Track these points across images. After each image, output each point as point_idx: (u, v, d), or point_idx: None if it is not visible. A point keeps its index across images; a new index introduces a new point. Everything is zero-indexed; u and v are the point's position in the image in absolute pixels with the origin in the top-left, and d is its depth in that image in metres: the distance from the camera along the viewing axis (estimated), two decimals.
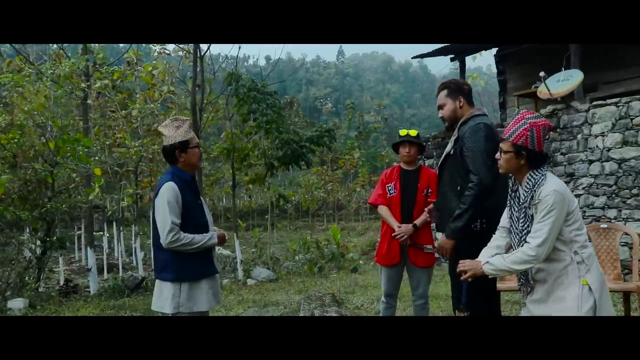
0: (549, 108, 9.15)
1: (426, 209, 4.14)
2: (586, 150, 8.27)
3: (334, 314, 5.71)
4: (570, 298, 2.63)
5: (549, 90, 8.89)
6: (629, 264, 6.40)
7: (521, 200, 2.77)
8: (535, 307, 2.78)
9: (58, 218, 7.69)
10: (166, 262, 3.29)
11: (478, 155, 3.31)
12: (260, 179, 12.01)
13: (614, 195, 7.79)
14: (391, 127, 50.29)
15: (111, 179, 14.17)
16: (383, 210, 4.50)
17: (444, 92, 3.66)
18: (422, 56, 12.21)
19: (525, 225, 2.74)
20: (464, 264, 2.94)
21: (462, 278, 2.91)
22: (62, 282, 8.48)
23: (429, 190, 4.41)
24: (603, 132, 8.09)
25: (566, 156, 8.53)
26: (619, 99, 8.04)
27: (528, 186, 2.71)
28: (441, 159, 3.75)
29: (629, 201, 7.62)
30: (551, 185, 2.65)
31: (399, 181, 4.49)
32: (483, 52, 13.15)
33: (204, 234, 3.37)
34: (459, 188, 3.45)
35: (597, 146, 8.13)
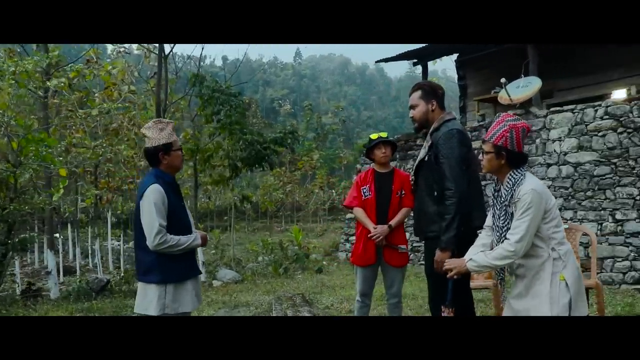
0: (509, 113, 9.46)
1: None
2: (544, 154, 8.62)
3: (306, 314, 5.78)
4: (546, 292, 2.74)
5: (509, 96, 9.19)
6: (586, 262, 6.74)
7: (502, 199, 2.89)
8: (516, 302, 2.91)
9: (19, 220, 7.43)
10: (151, 265, 3.27)
11: (453, 162, 3.37)
12: (224, 180, 11.94)
13: (570, 198, 8.15)
14: (348, 129, 50.68)
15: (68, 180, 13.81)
16: (359, 212, 4.58)
17: (418, 93, 3.70)
18: (385, 60, 12.41)
19: (505, 223, 2.86)
20: (449, 263, 3.07)
21: (448, 276, 3.03)
22: (21, 286, 8.25)
23: (403, 192, 4.54)
24: (560, 137, 8.45)
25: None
26: (574, 105, 8.42)
27: (508, 185, 2.84)
28: (415, 164, 3.81)
29: (583, 203, 7.99)
30: (529, 184, 2.77)
31: (373, 184, 4.59)
32: (444, 57, 13.41)
33: (189, 235, 3.37)
34: (435, 193, 3.51)
35: (554, 150, 8.49)
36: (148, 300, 3.28)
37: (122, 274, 9.41)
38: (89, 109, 11.99)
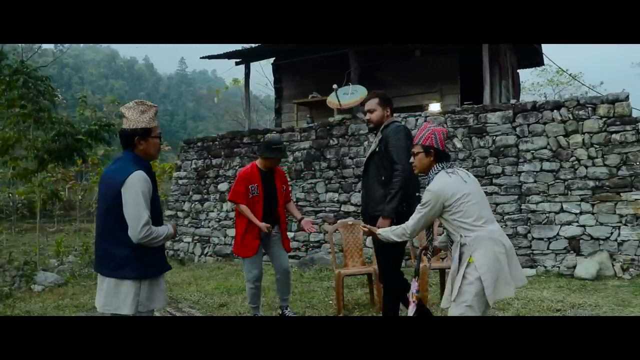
0: (338, 117, 10.33)
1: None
2: None
3: (196, 313, 5.66)
4: (453, 270, 3.19)
5: (339, 101, 10.02)
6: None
7: None
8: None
9: None
10: (127, 259, 2.96)
11: (400, 149, 4.03)
12: (28, 174, 10.58)
13: None
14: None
15: None
16: (244, 208, 5.06)
17: (376, 100, 4.31)
18: (210, 57, 12.34)
19: None
20: (365, 228, 3.76)
21: (363, 233, 3.76)
22: None
23: (284, 188, 5.32)
24: None
25: (354, 160, 9.77)
26: (399, 114, 9.56)
27: (428, 180, 3.35)
28: (367, 156, 4.37)
29: None
30: (432, 184, 3.26)
31: (260, 182, 5.12)
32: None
33: (164, 226, 3.15)
34: (383, 178, 4.14)
35: None
36: (121, 298, 2.98)
37: None
38: None
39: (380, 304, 5.64)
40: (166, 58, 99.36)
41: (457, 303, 3.11)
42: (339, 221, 6.37)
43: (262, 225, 4.96)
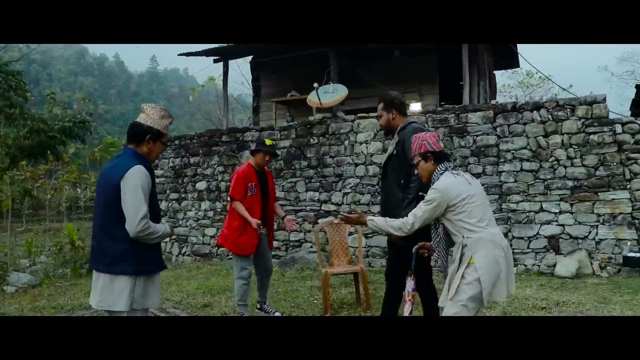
0: (319, 116, 10.29)
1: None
2: (352, 155, 9.60)
3: (181, 313, 5.57)
4: (452, 271, 3.23)
5: (319, 100, 9.98)
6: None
7: None
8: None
9: None
10: (123, 254, 2.96)
11: None
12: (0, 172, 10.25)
13: (376, 194, 9.24)
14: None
15: None
16: (240, 206, 5.22)
17: (380, 104, 4.30)
18: (187, 54, 12.17)
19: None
20: (348, 216, 3.70)
21: (347, 221, 3.69)
22: None
23: (273, 187, 5.66)
24: (367, 140, 9.53)
25: (335, 159, 9.74)
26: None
27: (432, 182, 3.37)
28: (385, 159, 4.33)
29: None
30: (438, 183, 3.29)
31: (257, 182, 5.34)
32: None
33: (162, 224, 3.15)
34: (402, 181, 4.05)
35: (362, 152, 9.53)
36: (115, 294, 2.98)
37: None
38: None
39: (367, 303, 5.64)
40: (137, 56, 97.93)
41: (453, 302, 3.14)
42: (322, 221, 6.34)
43: (254, 221, 5.09)
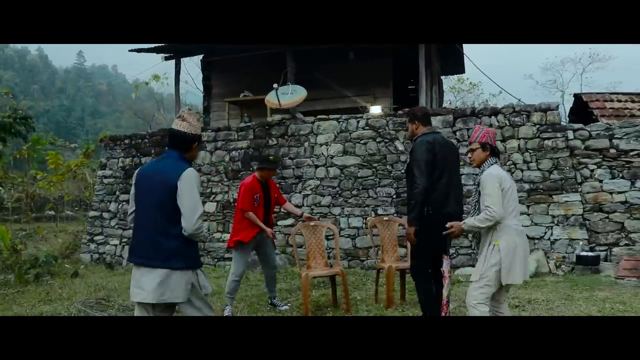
0: (277, 116, 10.22)
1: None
2: (312, 157, 9.60)
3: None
4: (483, 252, 3.76)
5: (278, 101, 9.90)
6: (353, 251, 7.85)
7: (476, 182, 3.92)
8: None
9: None
10: (176, 250, 3.19)
11: (420, 163, 4.40)
12: None
13: (337, 196, 9.29)
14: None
15: None
16: (253, 216, 5.75)
17: (406, 118, 4.83)
18: (138, 51, 11.74)
19: (477, 198, 3.87)
20: (451, 225, 3.92)
21: (448, 231, 3.89)
22: None
23: (276, 196, 6.12)
24: (327, 142, 9.55)
25: (294, 160, 9.71)
26: (340, 115, 9.63)
27: (481, 171, 3.85)
28: (405, 167, 4.85)
29: (349, 200, 9.22)
30: (491, 170, 3.78)
31: (262, 193, 5.88)
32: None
33: None
34: (412, 186, 4.53)
35: (322, 153, 9.54)
36: (172, 287, 3.17)
37: None
38: None
39: (347, 305, 5.67)
40: (62, 50, 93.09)
41: (480, 279, 3.70)
42: (299, 223, 6.31)
43: (269, 231, 5.75)
